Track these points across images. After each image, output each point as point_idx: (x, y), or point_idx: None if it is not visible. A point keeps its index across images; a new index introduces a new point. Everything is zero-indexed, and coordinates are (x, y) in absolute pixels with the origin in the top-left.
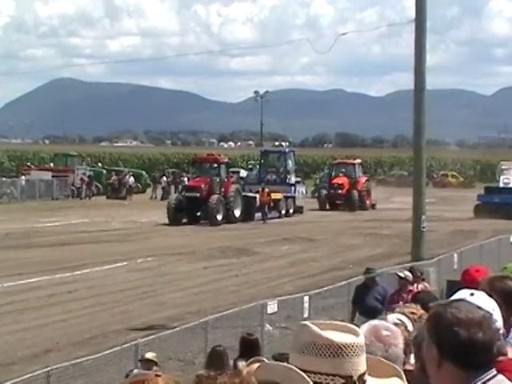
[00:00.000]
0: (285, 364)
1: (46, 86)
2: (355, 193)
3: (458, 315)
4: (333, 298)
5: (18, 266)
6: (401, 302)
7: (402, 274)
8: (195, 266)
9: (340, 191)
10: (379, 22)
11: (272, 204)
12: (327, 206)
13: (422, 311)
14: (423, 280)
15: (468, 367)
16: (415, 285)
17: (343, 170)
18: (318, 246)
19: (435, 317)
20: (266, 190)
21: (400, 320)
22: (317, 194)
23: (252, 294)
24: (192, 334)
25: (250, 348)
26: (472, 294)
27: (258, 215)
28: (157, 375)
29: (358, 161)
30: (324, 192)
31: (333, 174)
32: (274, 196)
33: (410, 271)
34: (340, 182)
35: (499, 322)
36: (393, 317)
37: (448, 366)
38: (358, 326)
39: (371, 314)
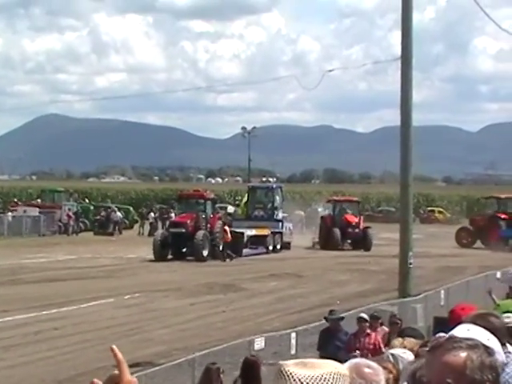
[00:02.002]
0: None
1: (32, 122)
2: (370, 231)
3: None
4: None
5: (4, 302)
6: (357, 349)
7: (365, 316)
8: (182, 302)
9: (357, 230)
10: (365, 59)
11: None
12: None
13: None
14: (381, 324)
15: None
16: (378, 329)
17: (346, 207)
18: (306, 282)
19: (459, 360)
20: (226, 227)
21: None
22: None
23: (239, 330)
24: (179, 371)
25: (250, 369)
26: (468, 330)
27: (246, 251)
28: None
29: (357, 198)
30: (338, 231)
31: (336, 211)
32: (261, 232)
33: (371, 315)
34: (356, 221)
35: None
36: (389, 352)
37: None
38: None
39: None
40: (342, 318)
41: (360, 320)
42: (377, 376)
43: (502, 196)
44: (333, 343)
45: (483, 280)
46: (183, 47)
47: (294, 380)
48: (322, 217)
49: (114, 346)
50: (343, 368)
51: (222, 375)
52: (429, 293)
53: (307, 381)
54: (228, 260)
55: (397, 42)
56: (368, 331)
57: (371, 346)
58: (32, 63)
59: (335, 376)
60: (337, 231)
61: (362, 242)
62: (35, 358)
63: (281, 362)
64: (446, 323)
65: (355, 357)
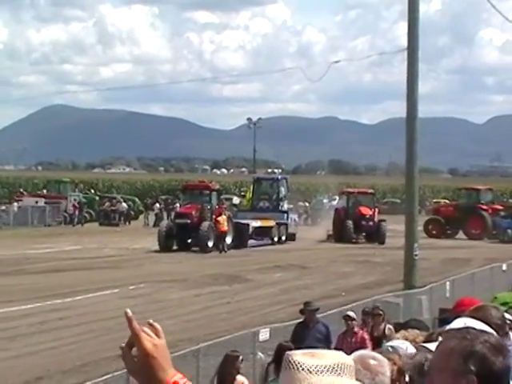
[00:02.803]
0: None
1: (38, 112)
2: (384, 224)
3: (491, 342)
4: (335, 324)
5: (10, 292)
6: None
7: (351, 314)
8: (187, 293)
9: (371, 223)
10: (370, 50)
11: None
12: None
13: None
14: (383, 320)
15: None
16: (382, 324)
17: (360, 199)
18: (311, 274)
19: (467, 347)
20: (224, 216)
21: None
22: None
23: (244, 321)
24: (184, 362)
25: (282, 354)
26: (465, 323)
27: (251, 242)
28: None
29: (372, 190)
30: (351, 224)
31: (350, 203)
32: (266, 223)
33: (373, 311)
34: (370, 213)
35: None
36: (387, 345)
37: None
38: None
39: None
40: (317, 309)
41: (346, 319)
42: (382, 367)
43: (481, 187)
44: (312, 335)
45: (489, 272)
46: (188, 38)
47: (303, 369)
48: (336, 209)
49: (128, 310)
50: (350, 359)
51: (241, 364)
52: (434, 285)
53: (315, 370)
54: (224, 252)
55: (402, 33)
56: (355, 330)
57: (357, 345)
58: (38, 54)
59: (342, 366)
60: (350, 224)
61: (375, 234)
62: (40, 348)
63: (288, 352)
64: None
65: None
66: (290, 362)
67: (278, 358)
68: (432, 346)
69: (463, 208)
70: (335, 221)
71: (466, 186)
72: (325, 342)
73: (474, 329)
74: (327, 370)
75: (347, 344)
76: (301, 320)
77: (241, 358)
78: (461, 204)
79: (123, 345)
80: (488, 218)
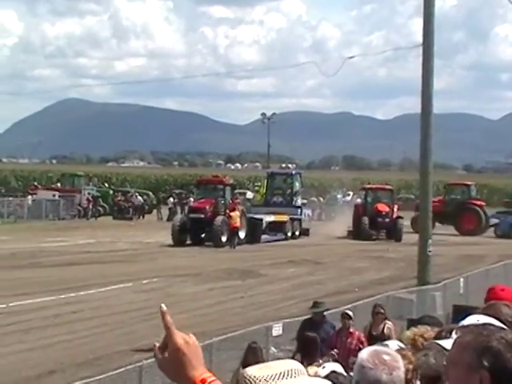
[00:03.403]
0: None
1: (53, 106)
2: (401, 221)
3: (506, 339)
4: (337, 322)
5: (24, 285)
6: (336, 347)
7: (350, 313)
8: (201, 287)
9: (387, 219)
10: (385, 45)
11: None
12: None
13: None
14: (385, 319)
15: None
16: (382, 324)
17: (379, 196)
18: (324, 269)
19: (482, 342)
20: (237, 212)
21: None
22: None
23: (257, 316)
24: None
25: (308, 345)
26: (478, 320)
27: (265, 237)
28: None
29: (390, 186)
30: (366, 220)
31: (368, 200)
32: (280, 218)
33: (374, 309)
34: (387, 210)
35: None
36: (394, 343)
37: None
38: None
39: (312, 357)
40: (325, 310)
41: (344, 316)
42: (397, 362)
43: (470, 183)
44: (318, 335)
45: (502, 268)
46: (203, 33)
47: (260, 381)
48: (355, 205)
49: (163, 305)
50: (300, 365)
51: (261, 352)
52: (448, 281)
53: (271, 378)
54: (233, 247)
55: (417, 28)
56: (351, 330)
57: (352, 346)
58: (53, 47)
59: (296, 371)
60: (365, 220)
61: (392, 231)
62: (54, 341)
63: (242, 370)
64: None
65: (333, 355)
66: (246, 378)
67: (304, 348)
68: (444, 342)
69: (454, 203)
70: (354, 217)
71: (454, 182)
72: (336, 341)
73: (492, 325)
74: (283, 377)
75: (341, 343)
76: (308, 317)
77: (261, 347)
78: (451, 199)
79: (157, 344)
80: (481, 213)
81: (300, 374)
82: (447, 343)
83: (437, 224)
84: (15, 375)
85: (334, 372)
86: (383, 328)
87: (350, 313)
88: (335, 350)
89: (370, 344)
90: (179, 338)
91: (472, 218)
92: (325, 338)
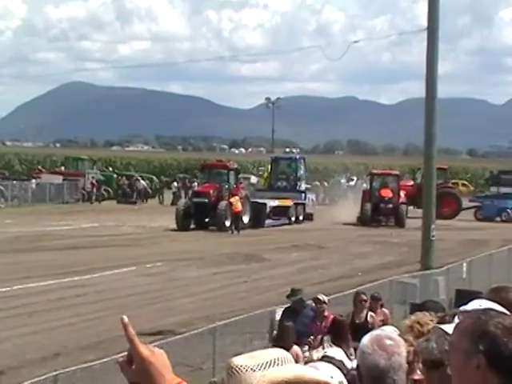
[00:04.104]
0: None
1: (57, 89)
2: (403, 207)
3: (504, 324)
4: (341, 306)
5: (28, 269)
6: (312, 335)
7: (320, 298)
8: (205, 271)
9: (390, 205)
10: (390, 30)
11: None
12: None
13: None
14: (382, 306)
15: (510, 377)
16: (378, 310)
17: (386, 181)
18: (328, 254)
19: (479, 327)
20: (237, 197)
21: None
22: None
23: (261, 300)
24: (200, 340)
25: (338, 328)
26: (480, 305)
27: (269, 221)
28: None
29: (397, 172)
30: (369, 206)
31: (374, 185)
32: (283, 203)
33: (371, 296)
34: (390, 196)
35: None
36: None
37: (492, 377)
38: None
39: (298, 340)
40: (301, 299)
41: (315, 301)
42: (398, 348)
43: (445, 167)
44: (299, 321)
45: (506, 253)
46: (207, 16)
47: (247, 370)
48: (363, 191)
49: (124, 317)
50: (286, 353)
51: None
52: (451, 265)
53: (258, 367)
54: (236, 232)
55: (422, 12)
56: (325, 314)
57: (326, 330)
58: (56, 30)
59: (282, 359)
60: (368, 206)
61: (395, 217)
62: (58, 325)
63: (229, 360)
64: (468, 296)
65: (309, 343)
66: (232, 368)
67: (333, 329)
68: (446, 327)
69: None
70: (362, 203)
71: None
72: (312, 327)
73: (493, 310)
74: (269, 365)
75: (317, 328)
76: (288, 305)
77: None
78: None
79: (120, 359)
80: (460, 197)
81: (287, 361)
82: (449, 328)
83: (411, 208)
84: (20, 358)
85: (326, 356)
86: (366, 316)
87: (322, 297)
88: (311, 337)
89: (352, 333)
90: (143, 348)
91: (450, 202)
92: (307, 322)
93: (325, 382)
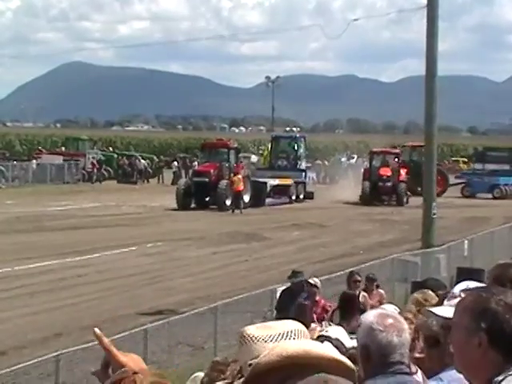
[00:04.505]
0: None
1: (57, 69)
2: (402, 185)
3: (505, 301)
4: (343, 284)
5: (29, 249)
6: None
7: (312, 281)
8: (205, 251)
9: (389, 183)
10: (389, 7)
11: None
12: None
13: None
14: (378, 287)
15: (510, 355)
16: (374, 291)
17: (386, 159)
18: (328, 232)
19: (481, 304)
20: (239, 176)
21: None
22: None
23: (262, 279)
24: (201, 320)
25: (347, 302)
26: (468, 286)
27: (269, 200)
28: (135, 373)
29: (397, 150)
30: (368, 185)
31: (373, 163)
32: (284, 182)
33: (366, 277)
34: (389, 174)
35: None
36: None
37: (493, 354)
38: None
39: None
40: (303, 281)
41: (307, 285)
42: (403, 324)
43: (416, 144)
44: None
45: (508, 231)
46: None
47: (258, 341)
48: (364, 169)
49: (96, 329)
50: (303, 327)
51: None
52: (452, 243)
53: (270, 339)
54: (238, 211)
55: None
56: (317, 298)
57: (316, 315)
58: (56, 11)
59: (296, 332)
60: (366, 185)
61: (394, 196)
62: (59, 305)
63: (242, 329)
64: (469, 273)
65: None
66: (244, 336)
67: (344, 304)
68: (437, 309)
69: (418, 166)
70: (363, 182)
71: (412, 144)
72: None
73: (496, 288)
74: (282, 337)
75: (309, 312)
76: (286, 287)
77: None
78: (413, 162)
79: (93, 370)
80: (446, 174)
81: (301, 335)
82: (440, 310)
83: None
84: (21, 338)
85: (321, 336)
86: (358, 296)
87: (313, 280)
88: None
89: None
90: (121, 355)
91: (437, 179)
92: (303, 303)
93: (333, 359)
